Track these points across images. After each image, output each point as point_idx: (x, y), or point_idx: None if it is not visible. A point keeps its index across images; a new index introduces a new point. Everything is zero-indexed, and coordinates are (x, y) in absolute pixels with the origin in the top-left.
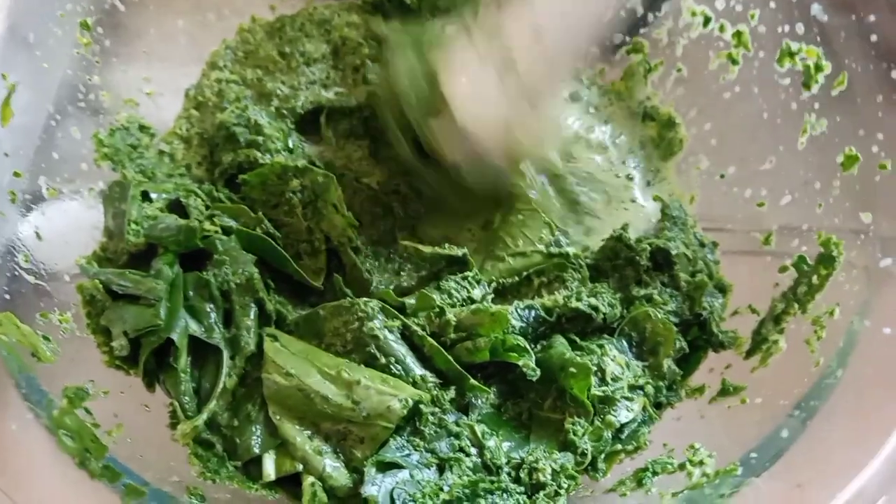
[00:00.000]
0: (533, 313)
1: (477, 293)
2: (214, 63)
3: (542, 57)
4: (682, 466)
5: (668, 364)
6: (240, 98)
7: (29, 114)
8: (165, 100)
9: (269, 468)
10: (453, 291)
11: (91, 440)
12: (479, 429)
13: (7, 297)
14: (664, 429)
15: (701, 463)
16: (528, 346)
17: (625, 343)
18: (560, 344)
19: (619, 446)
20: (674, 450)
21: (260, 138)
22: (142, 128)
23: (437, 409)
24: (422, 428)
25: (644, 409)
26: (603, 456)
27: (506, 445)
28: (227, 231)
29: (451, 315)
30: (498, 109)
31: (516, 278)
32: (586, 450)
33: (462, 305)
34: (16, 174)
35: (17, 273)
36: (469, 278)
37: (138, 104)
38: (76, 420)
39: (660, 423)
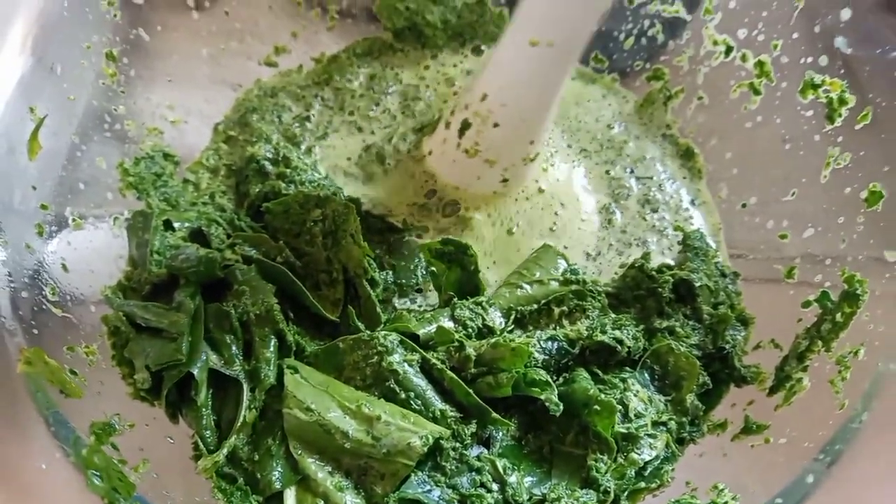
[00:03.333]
0: (556, 345)
1: (492, 318)
2: (247, 100)
3: (502, 138)
4: None
5: (690, 399)
6: (269, 136)
7: (55, 144)
8: (189, 126)
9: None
10: (468, 321)
11: (119, 478)
12: (500, 463)
13: (35, 331)
14: (686, 465)
15: None
16: (550, 380)
17: (647, 376)
18: (583, 378)
19: (642, 484)
20: (697, 489)
21: (288, 170)
22: (166, 156)
23: (457, 444)
24: (443, 463)
25: (667, 445)
26: (626, 494)
27: (527, 481)
28: (247, 260)
29: (470, 350)
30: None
31: (535, 306)
32: (609, 487)
33: (479, 335)
34: (42, 207)
35: (44, 306)
36: (482, 304)
37: (163, 132)
38: (104, 458)
39: (682, 459)
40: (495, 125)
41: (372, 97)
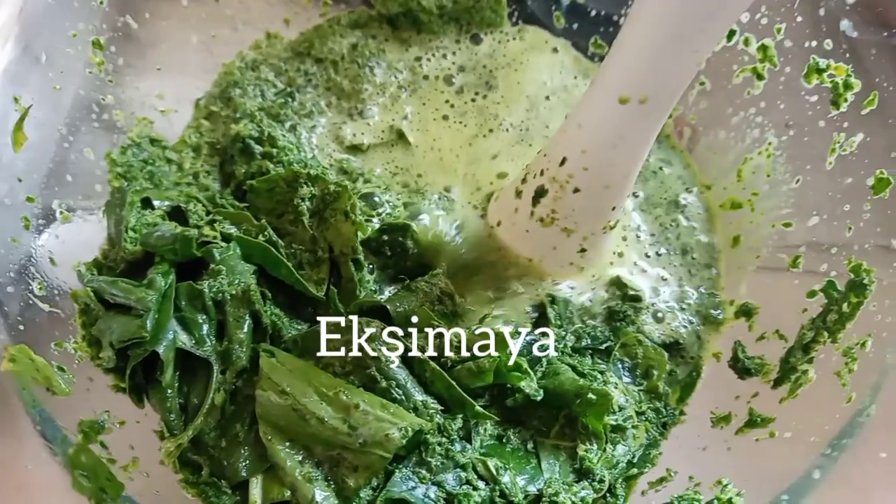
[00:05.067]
0: (528, 337)
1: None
2: (229, 73)
3: (582, 206)
4: None
5: (662, 386)
6: (253, 112)
7: (41, 135)
8: (179, 115)
9: (256, 493)
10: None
11: (107, 478)
12: (491, 463)
13: (21, 327)
14: (690, 459)
15: (730, 501)
16: (528, 369)
17: (619, 367)
18: (566, 370)
19: (634, 470)
20: (700, 483)
21: (274, 150)
22: (153, 141)
23: (443, 439)
24: (428, 459)
25: (647, 432)
26: (619, 481)
27: (521, 480)
28: (227, 238)
29: (451, 336)
30: (535, 245)
31: None
32: (604, 476)
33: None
34: (29, 199)
35: (31, 301)
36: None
37: (153, 122)
38: (91, 458)
39: (685, 453)
40: (575, 191)
41: (356, 70)
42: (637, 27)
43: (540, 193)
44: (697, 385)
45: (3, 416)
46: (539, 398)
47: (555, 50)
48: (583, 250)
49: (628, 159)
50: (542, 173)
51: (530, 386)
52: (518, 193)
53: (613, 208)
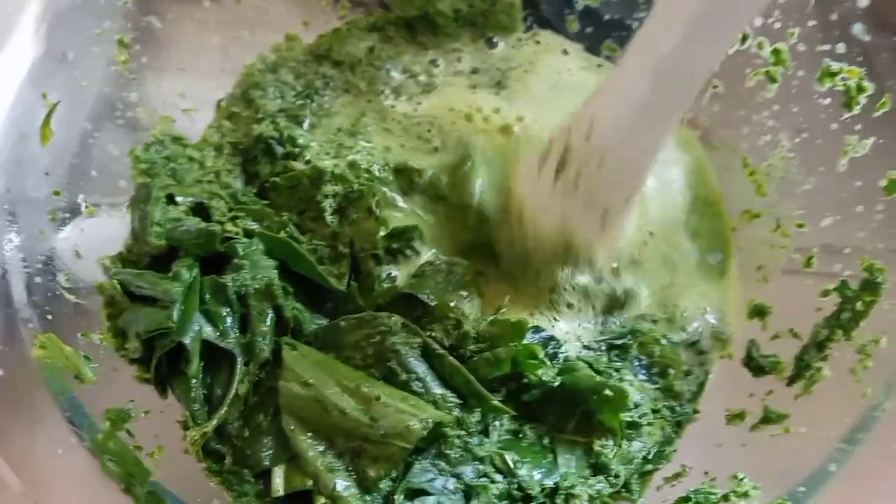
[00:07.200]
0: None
1: None
2: (250, 75)
3: (604, 179)
4: (725, 497)
5: (678, 384)
6: (274, 114)
7: (66, 131)
8: (200, 114)
9: (279, 482)
10: None
11: (134, 464)
12: (509, 457)
13: (49, 317)
14: (704, 455)
15: (746, 494)
16: (545, 359)
17: (636, 366)
18: (582, 367)
19: (649, 466)
20: (716, 478)
21: (296, 150)
22: (175, 139)
23: (462, 433)
24: (447, 451)
25: (663, 429)
26: (634, 476)
27: (537, 474)
28: (249, 234)
29: (468, 327)
30: (558, 216)
31: None
32: (619, 472)
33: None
34: (55, 193)
35: (58, 293)
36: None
37: (175, 120)
38: (119, 444)
39: (699, 449)
40: (598, 164)
41: (374, 72)
42: (654, 24)
43: (562, 165)
44: (707, 385)
45: (32, 406)
46: (556, 385)
47: (565, 52)
48: (604, 226)
49: (650, 140)
50: (565, 146)
51: (547, 374)
52: (540, 165)
53: (634, 185)
